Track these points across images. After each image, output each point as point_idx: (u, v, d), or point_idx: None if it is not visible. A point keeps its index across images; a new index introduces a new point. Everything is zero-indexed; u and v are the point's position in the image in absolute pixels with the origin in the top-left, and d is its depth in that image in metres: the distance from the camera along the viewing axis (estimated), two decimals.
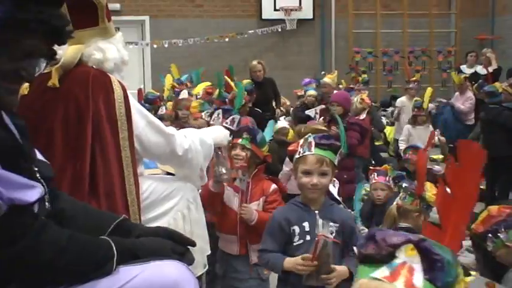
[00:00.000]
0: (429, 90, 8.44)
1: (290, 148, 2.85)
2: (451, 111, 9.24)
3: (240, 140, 3.51)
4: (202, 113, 4.79)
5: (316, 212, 2.76)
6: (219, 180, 3.34)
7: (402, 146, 7.37)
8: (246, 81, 8.65)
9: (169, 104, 7.00)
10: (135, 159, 2.75)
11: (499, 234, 3.17)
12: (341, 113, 6.00)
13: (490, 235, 3.19)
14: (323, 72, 10.31)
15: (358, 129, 6.00)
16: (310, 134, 2.80)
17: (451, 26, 13.51)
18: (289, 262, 2.67)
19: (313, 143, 2.72)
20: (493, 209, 3.28)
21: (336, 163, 2.81)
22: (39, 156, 1.89)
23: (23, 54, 1.63)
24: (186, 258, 1.96)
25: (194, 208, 3.04)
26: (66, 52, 2.65)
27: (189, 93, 6.99)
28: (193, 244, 2.06)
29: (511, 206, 3.29)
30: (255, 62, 8.69)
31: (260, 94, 8.22)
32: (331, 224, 2.70)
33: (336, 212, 2.85)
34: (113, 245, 1.78)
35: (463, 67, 10.50)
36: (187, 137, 3.01)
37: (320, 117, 6.71)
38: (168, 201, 2.96)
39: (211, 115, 4.70)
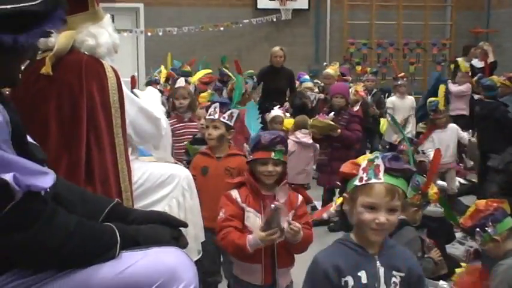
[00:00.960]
0: (442, 87, 7.07)
1: (344, 170, 2.16)
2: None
3: (273, 155, 2.91)
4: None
5: (376, 257, 2.12)
6: (288, 236, 2.74)
7: (430, 152, 6.02)
8: (248, 72, 8.66)
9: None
10: (127, 146, 2.76)
11: (486, 228, 3.20)
12: (344, 104, 5.98)
13: (478, 229, 3.22)
14: (325, 63, 10.26)
15: (358, 121, 5.99)
16: (377, 155, 2.12)
17: (447, 18, 13.50)
18: None
19: (381, 167, 2.06)
20: (481, 203, 3.31)
21: (407, 194, 2.20)
22: (29, 139, 1.90)
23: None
24: (181, 241, 2.02)
25: (189, 195, 3.07)
26: (58, 39, 2.63)
27: (186, 81, 6.88)
28: (185, 225, 2.13)
29: (498, 200, 3.31)
30: (277, 48, 8.55)
31: (274, 82, 8.17)
32: (395, 273, 2.12)
33: (400, 256, 2.19)
34: (116, 231, 1.82)
35: (460, 60, 10.47)
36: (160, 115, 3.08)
37: (322, 108, 6.68)
38: (163, 188, 2.98)
39: (207, 109, 4.43)
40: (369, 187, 2.06)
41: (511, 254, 3.18)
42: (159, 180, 2.97)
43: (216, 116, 3.75)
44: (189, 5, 12.35)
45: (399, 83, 8.53)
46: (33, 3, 1.58)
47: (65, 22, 1.75)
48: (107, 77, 2.69)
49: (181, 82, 6.29)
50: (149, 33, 11.71)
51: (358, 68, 12.32)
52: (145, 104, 2.96)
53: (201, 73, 7.27)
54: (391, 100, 8.43)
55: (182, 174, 3.08)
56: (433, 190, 3.73)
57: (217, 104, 3.85)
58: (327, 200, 6.05)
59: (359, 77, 11.08)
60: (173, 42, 11.66)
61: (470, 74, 9.29)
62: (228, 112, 3.79)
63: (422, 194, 3.66)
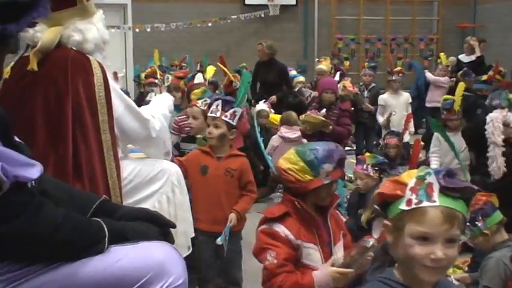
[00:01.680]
0: (462, 85, 6.08)
1: (384, 190, 1.69)
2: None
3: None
4: (199, 101, 4.34)
5: None
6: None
7: (435, 160, 5.69)
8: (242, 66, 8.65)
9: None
10: (115, 142, 2.74)
11: (476, 222, 3.21)
12: (333, 100, 5.98)
13: (468, 224, 3.24)
14: (317, 59, 10.26)
15: (348, 116, 6.00)
16: (428, 171, 1.64)
17: (434, 13, 13.57)
18: None
19: (435, 186, 1.60)
20: None
21: (467, 218, 1.70)
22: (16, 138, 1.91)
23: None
24: (169, 240, 2.01)
25: (179, 191, 3.06)
26: (44, 35, 2.62)
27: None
28: (174, 226, 2.12)
29: (486, 194, 3.33)
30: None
31: (264, 75, 8.22)
32: None
33: None
34: (104, 225, 1.82)
35: (442, 54, 10.52)
36: (155, 117, 3.03)
37: (311, 103, 6.68)
38: (153, 184, 2.97)
39: (209, 105, 4.18)
40: (420, 212, 1.60)
41: (500, 247, 3.21)
42: (149, 176, 2.95)
43: (218, 114, 3.55)
44: (176, 0, 12.31)
45: (393, 78, 7.70)
46: None
47: (49, 10, 1.72)
48: (93, 73, 2.66)
49: (199, 78, 6.13)
50: (137, 30, 11.66)
51: (347, 63, 12.37)
52: (134, 103, 2.95)
53: (211, 69, 7.05)
54: (383, 98, 7.62)
55: (172, 169, 3.07)
56: None
57: (219, 102, 3.61)
58: None
59: (348, 72, 11.12)
60: (161, 38, 11.64)
61: (450, 68, 9.40)
62: (231, 110, 3.57)
63: None
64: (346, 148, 8.21)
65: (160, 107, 3.22)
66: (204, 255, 3.61)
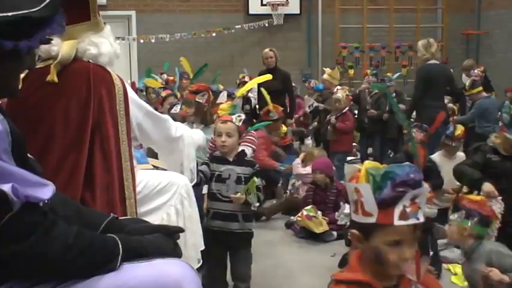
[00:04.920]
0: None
1: None
2: None
3: None
4: (233, 117, 3.85)
5: None
6: None
7: None
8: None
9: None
10: (131, 153, 2.79)
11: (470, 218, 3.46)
12: (325, 181, 5.70)
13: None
14: (326, 68, 10.27)
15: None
16: None
17: (438, 21, 13.57)
18: None
19: None
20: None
21: None
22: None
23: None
24: (178, 249, 2.01)
25: (187, 203, 3.07)
26: (63, 48, 2.68)
27: (229, 95, 6.59)
28: (182, 230, 2.10)
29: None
30: (267, 49, 8.64)
31: (268, 83, 8.20)
32: None
33: None
34: (119, 242, 1.79)
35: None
36: (178, 128, 3.17)
37: (324, 118, 6.67)
38: (161, 196, 2.99)
39: (245, 121, 3.99)
40: None
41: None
42: (157, 187, 2.98)
43: None
44: (181, 11, 12.37)
45: (453, 145, 5.75)
46: (34, 9, 1.58)
47: (64, 28, 1.74)
48: (115, 85, 2.74)
49: (223, 97, 5.95)
50: (142, 40, 11.71)
51: (351, 72, 12.40)
52: (151, 107, 3.06)
53: (246, 87, 6.67)
54: (435, 160, 5.78)
55: (181, 182, 3.08)
56: None
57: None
58: None
59: (352, 80, 11.13)
60: (166, 48, 11.68)
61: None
62: None
63: None
64: (349, 158, 8.24)
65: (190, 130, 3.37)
66: None
